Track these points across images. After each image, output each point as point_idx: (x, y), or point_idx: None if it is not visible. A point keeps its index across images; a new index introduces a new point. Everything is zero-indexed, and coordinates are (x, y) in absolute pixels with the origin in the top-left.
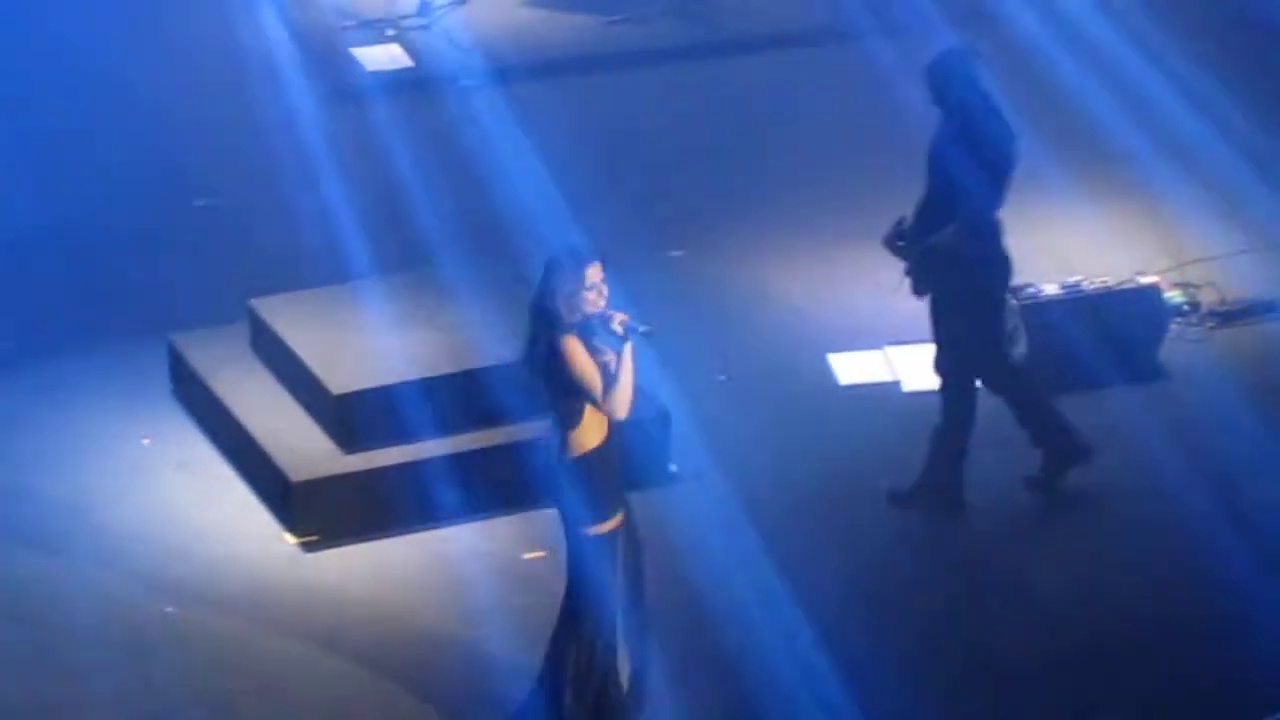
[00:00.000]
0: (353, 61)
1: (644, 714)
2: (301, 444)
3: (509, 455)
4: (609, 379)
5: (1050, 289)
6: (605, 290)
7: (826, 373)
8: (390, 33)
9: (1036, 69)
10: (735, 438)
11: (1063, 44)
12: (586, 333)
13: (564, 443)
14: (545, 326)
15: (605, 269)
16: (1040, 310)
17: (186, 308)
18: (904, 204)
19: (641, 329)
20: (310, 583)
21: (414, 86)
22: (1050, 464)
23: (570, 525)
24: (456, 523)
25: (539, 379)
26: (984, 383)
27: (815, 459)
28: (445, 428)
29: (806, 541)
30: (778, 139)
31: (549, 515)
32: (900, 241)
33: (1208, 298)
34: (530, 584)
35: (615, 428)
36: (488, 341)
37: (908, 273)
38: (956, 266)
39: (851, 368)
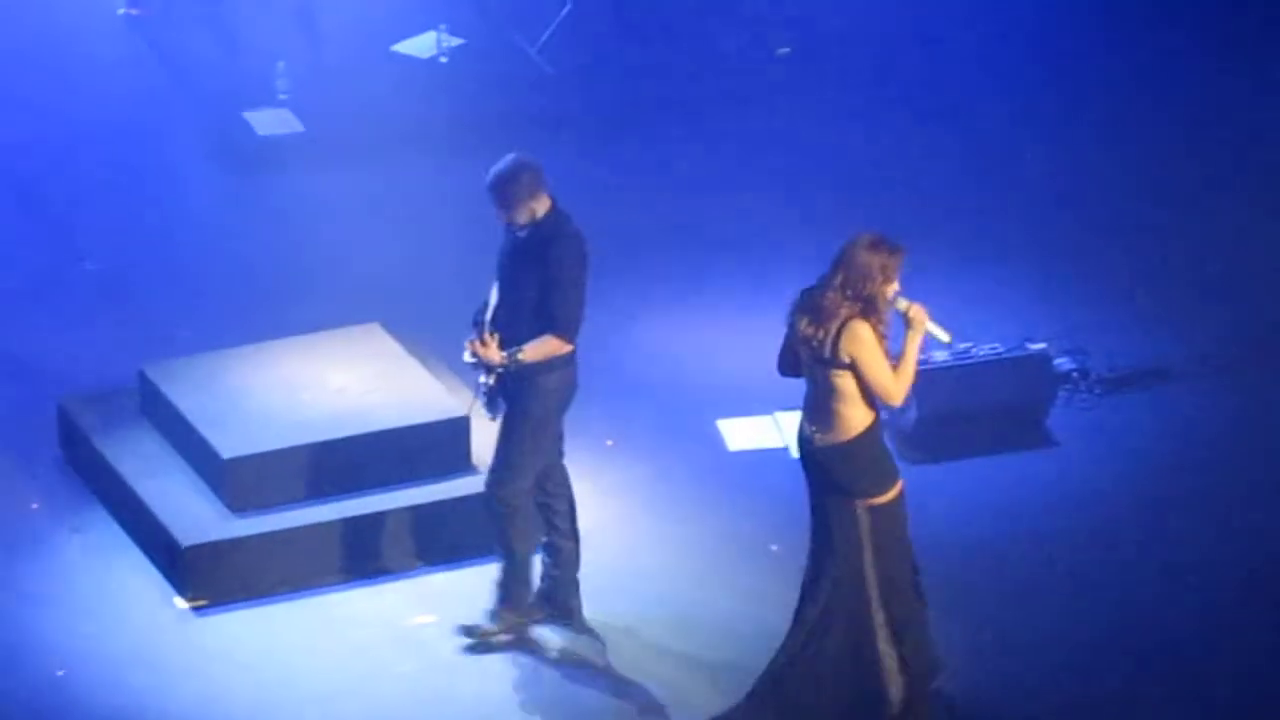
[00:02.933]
0: (244, 125)
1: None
2: (191, 508)
3: (398, 520)
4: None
5: (939, 356)
6: (898, 285)
7: (716, 438)
8: (282, 97)
9: (929, 135)
10: (624, 502)
11: (951, 108)
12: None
13: (840, 424)
14: (849, 304)
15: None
16: (929, 377)
17: (76, 371)
18: (794, 264)
19: (946, 336)
20: (200, 646)
21: (305, 151)
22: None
23: (851, 501)
24: (345, 587)
25: (815, 358)
26: (489, 484)
27: (704, 524)
28: (334, 492)
29: (695, 607)
30: (668, 202)
31: (437, 580)
32: (473, 354)
33: (1097, 364)
34: (418, 649)
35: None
36: (376, 406)
37: (485, 386)
38: (532, 380)
39: (741, 433)
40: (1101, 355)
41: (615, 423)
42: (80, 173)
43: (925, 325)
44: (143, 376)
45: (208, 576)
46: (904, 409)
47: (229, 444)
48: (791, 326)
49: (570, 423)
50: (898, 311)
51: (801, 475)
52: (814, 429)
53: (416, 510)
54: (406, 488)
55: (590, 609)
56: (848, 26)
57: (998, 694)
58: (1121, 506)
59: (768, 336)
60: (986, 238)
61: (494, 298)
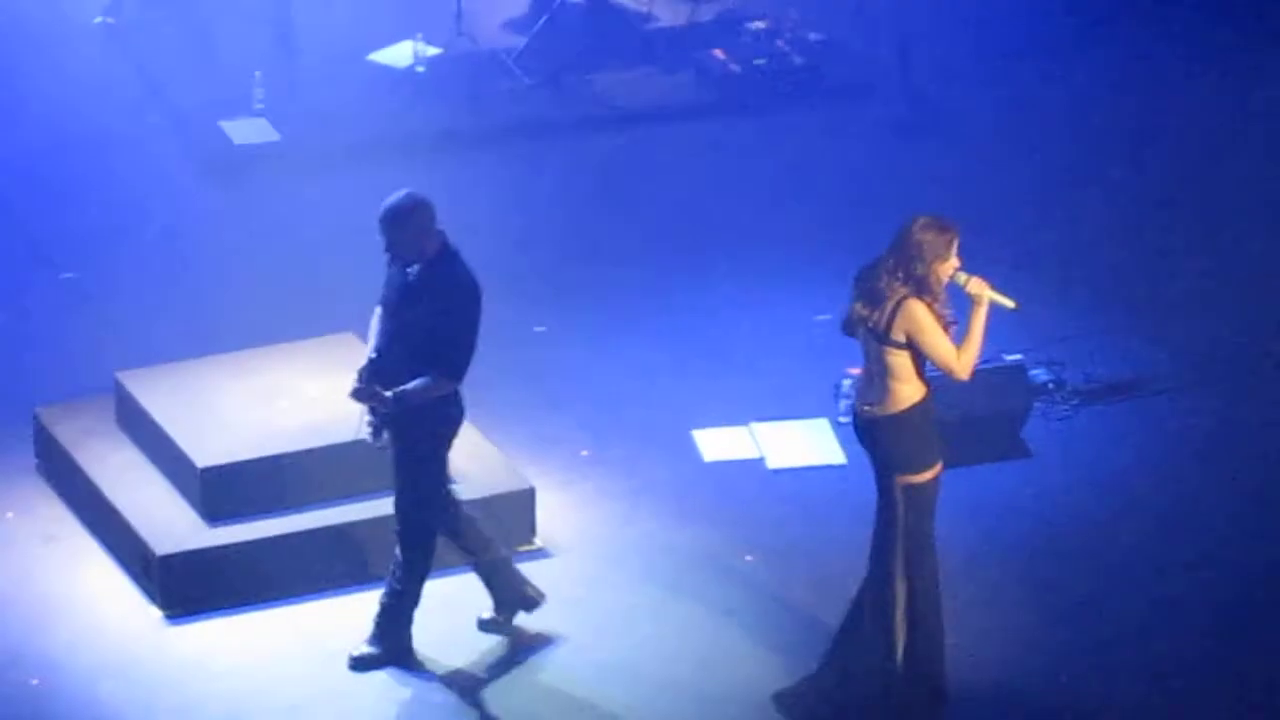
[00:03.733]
0: (220, 134)
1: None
2: (166, 517)
3: (372, 529)
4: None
5: None
6: (958, 262)
7: (691, 448)
8: (258, 106)
9: (910, 147)
10: (598, 513)
11: (932, 120)
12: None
13: (889, 398)
14: (901, 284)
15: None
16: None
17: (52, 380)
18: (772, 275)
19: (1011, 303)
20: (174, 655)
21: (281, 160)
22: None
23: (891, 475)
24: (320, 596)
25: (872, 336)
26: (400, 528)
27: (679, 535)
28: (309, 502)
29: (669, 616)
30: (643, 213)
31: None
32: (359, 388)
33: (1072, 376)
34: None
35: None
36: (352, 416)
37: (369, 421)
38: (421, 415)
39: (716, 444)
40: (1077, 367)
41: (590, 433)
42: (56, 181)
43: (987, 297)
44: (118, 385)
45: (182, 585)
46: None
47: (204, 453)
48: (851, 302)
49: (545, 433)
50: (958, 287)
51: (776, 488)
52: (864, 401)
53: (392, 519)
54: (381, 497)
55: (560, 619)
56: (830, 38)
57: (962, 701)
58: (1096, 518)
59: (743, 347)
60: (962, 250)
61: (374, 333)
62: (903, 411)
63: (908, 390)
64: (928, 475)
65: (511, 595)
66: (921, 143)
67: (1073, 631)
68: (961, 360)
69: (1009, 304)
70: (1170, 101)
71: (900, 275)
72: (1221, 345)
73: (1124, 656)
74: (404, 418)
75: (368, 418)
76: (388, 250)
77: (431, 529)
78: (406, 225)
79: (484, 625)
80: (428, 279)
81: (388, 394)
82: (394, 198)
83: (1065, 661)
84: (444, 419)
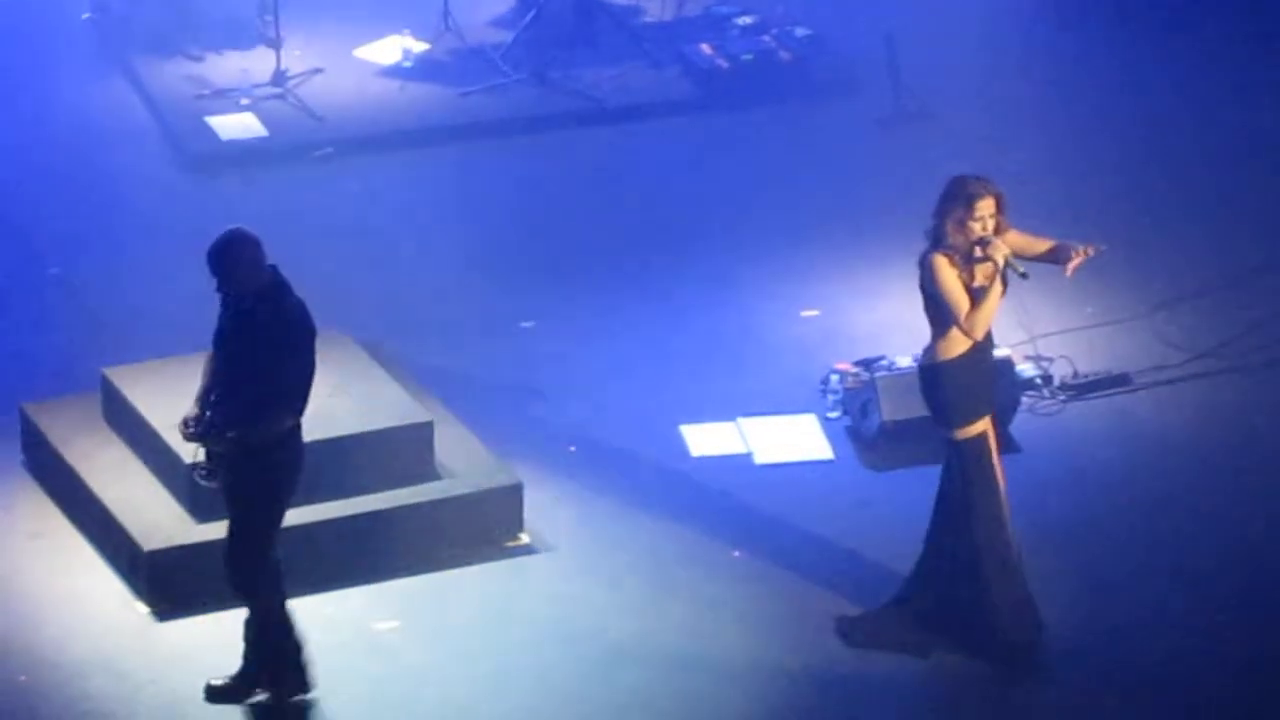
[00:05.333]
0: (207, 130)
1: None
2: (153, 513)
3: (361, 525)
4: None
5: (904, 361)
6: (991, 224)
7: (679, 444)
8: (245, 102)
9: (898, 138)
10: (586, 509)
11: (921, 111)
12: (965, 255)
13: (933, 349)
14: (930, 239)
15: (1000, 206)
16: (893, 383)
17: (39, 376)
18: (759, 270)
19: (1020, 269)
20: (161, 651)
21: (268, 156)
22: (247, 677)
23: (938, 429)
24: (308, 592)
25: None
26: (229, 574)
27: (666, 531)
28: (298, 497)
29: (656, 612)
30: (631, 208)
31: (401, 585)
32: (192, 429)
33: (1060, 371)
34: (383, 654)
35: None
36: (340, 411)
37: (202, 464)
38: (262, 456)
39: (703, 439)
40: (1065, 361)
41: (578, 429)
42: (43, 177)
43: (1001, 258)
44: (106, 381)
45: (169, 581)
46: (865, 414)
47: (191, 448)
48: None
49: (533, 428)
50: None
51: (763, 483)
52: (921, 354)
53: (380, 515)
54: (370, 493)
55: (548, 614)
56: (817, 33)
57: (960, 702)
58: (1083, 512)
59: (731, 342)
60: None
61: (205, 374)
62: (943, 363)
63: (946, 344)
64: (969, 430)
65: (272, 672)
66: (908, 137)
67: (1057, 629)
68: (971, 318)
69: (1018, 268)
70: (1160, 93)
71: (930, 227)
72: (1207, 340)
73: (1110, 654)
74: (247, 461)
75: (201, 461)
76: (218, 289)
77: (262, 572)
78: (235, 261)
79: (210, 690)
80: (258, 314)
81: (229, 434)
82: (219, 237)
83: (1052, 660)
84: (287, 460)
